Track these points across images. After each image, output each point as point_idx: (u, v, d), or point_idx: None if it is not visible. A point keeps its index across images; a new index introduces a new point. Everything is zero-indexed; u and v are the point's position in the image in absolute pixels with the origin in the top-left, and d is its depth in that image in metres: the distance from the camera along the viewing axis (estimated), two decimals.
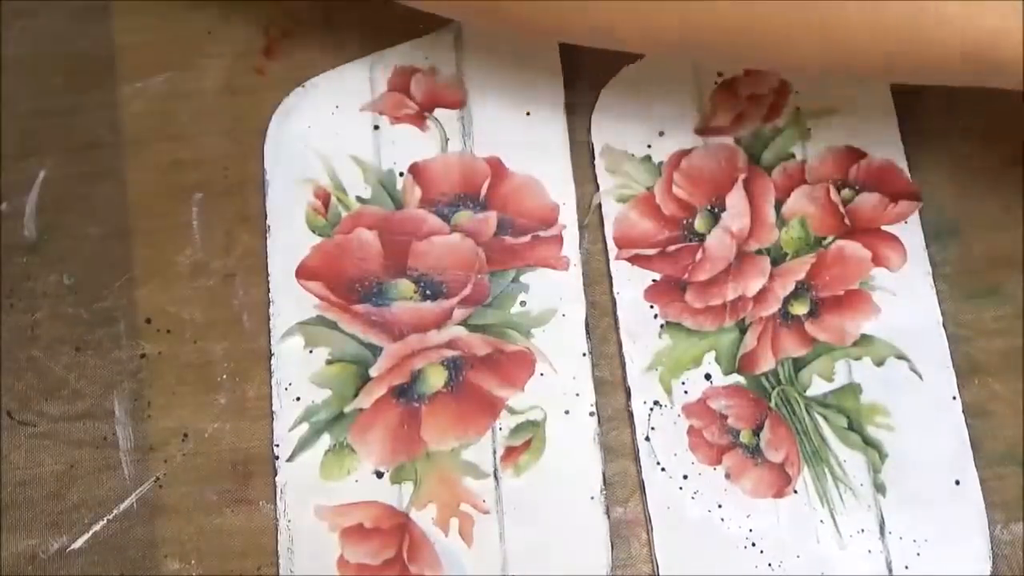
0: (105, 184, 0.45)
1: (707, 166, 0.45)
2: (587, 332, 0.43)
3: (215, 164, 0.45)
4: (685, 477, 0.41)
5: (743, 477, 0.41)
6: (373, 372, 0.42)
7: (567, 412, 0.42)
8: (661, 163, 0.45)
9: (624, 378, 0.42)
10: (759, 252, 0.44)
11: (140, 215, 0.45)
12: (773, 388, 0.42)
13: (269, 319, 0.43)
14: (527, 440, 0.42)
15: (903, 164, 0.45)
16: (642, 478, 0.41)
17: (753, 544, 0.40)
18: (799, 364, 0.42)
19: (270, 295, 0.43)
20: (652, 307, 0.43)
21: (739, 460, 0.41)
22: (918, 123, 0.45)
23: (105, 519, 0.41)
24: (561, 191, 0.45)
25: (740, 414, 0.42)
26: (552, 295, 0.43)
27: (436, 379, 0.42)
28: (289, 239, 0.44)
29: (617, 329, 0.43)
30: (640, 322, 0.43)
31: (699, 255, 0.44)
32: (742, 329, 0.43)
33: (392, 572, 0.40)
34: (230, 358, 0.43)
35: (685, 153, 0.45)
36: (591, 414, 0.42)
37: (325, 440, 0.42)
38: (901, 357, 0.42)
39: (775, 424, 0.42)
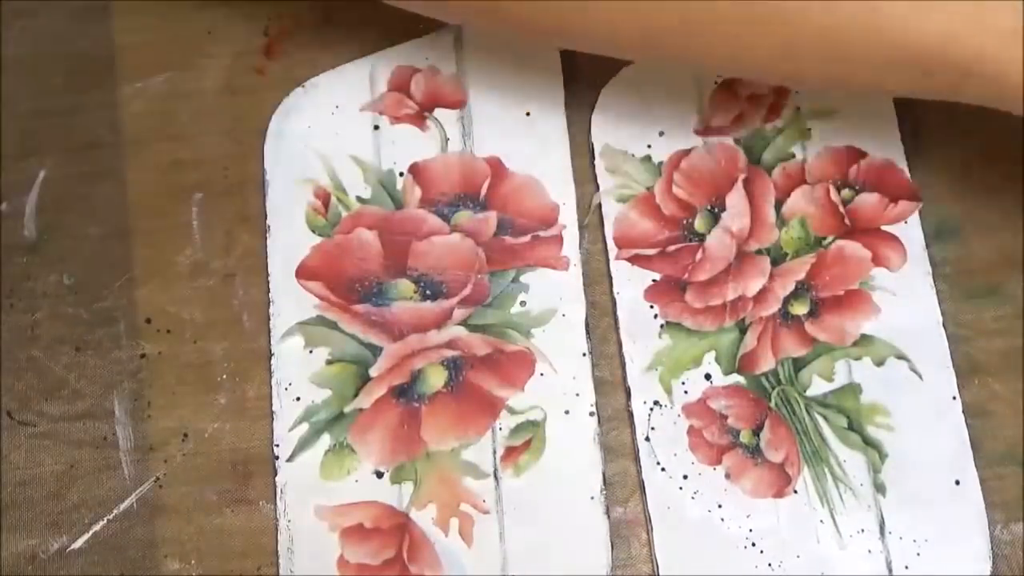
0: (105, 184, 0.45)
1: (707, 166, 0.45)
2: (587, 332, 0.43)
3: (215, 164, 0.45)
4: (685, 477, 0.41)
5: (743, 477, 0.41)
6: (373, 372, 0.42)
7: (567, 412, 0.42)
8: (661, 163, 0.45)
9: (624, 378, 0.42)
10: (759, 252, 0.44)
11: (140, 215, 0.45)
12: (773, 388, 0.42)
13: (269, 319, 0.43)
14: (527, 440, 0.42)
15: (903, 164, 0.45)
16: (642, 478, 0.41)
17: (753, 544, 0.40)
18: (799, 364, 0.42)
19: (270, 295, 0.43)
20: (652, 307, 0.43)
21: (739, 460, 0.41)
22: (918, 123, 0.45)
23: (105, 519, 0.41)
24: (561, 191, 0.45)
25: (740, 414, 0.42)
26: (552, 295, 0.43)
27: (436, 379, 0.42)
28: (289, 239, 0.44)
29: (617, 329, 0.43)
30: (640, 322, 0.43)
31: (699, 255, 0.44)
32: (742, 329, 0.43)
33: (392, 572, 0.40)
34: (230, 358, 0.43)
35: (685, 153, 0.45)
36: (591, 414, 0.42)
37: (325, 440, 0.42)
38: (901, 357, 0.42)
39: (775, 424, 0.42)
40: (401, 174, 0.45)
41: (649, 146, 0.45)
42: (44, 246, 0.44)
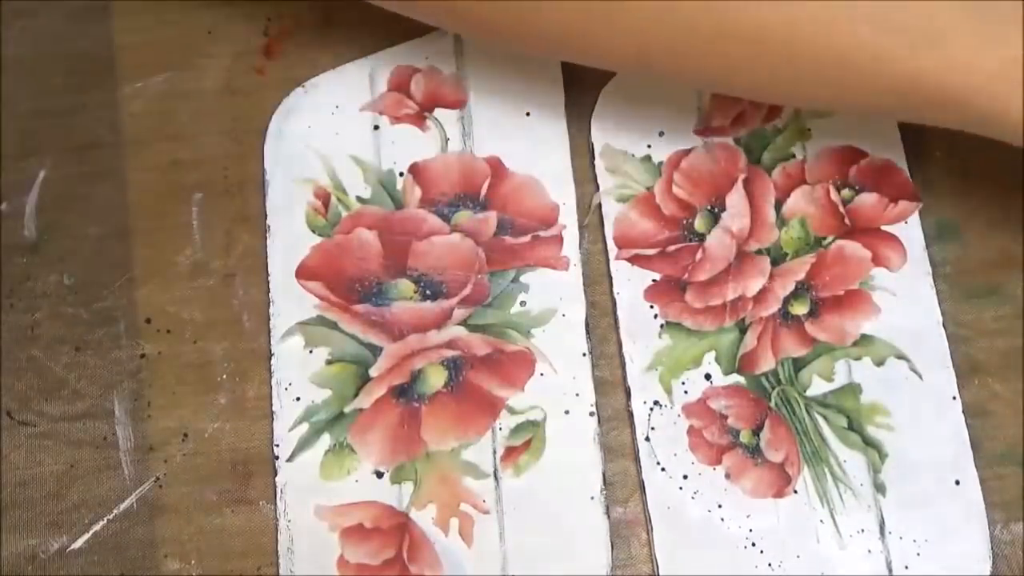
0: (105, 184, 0.45)
1: (707, 166, 0.45)
2: (587, 332, 0.43)
3: (215, 164, 0.45)
4: (685, 477, 0.41)
5: (743, 477, 0.41)
6: (373, 372, 0.42)
7: (567, 412, 0.42)
8: (661, 163, 0.45)
9: (624, 378, 0.42)
10: (759, 252, 0.44)
11: (140, 215, 0.45)
12: (773, 388, 0.42)
13: (269, 319, 0.43)
14: (527, 440, 0.42)
15: (903, 164, 0.45)
16: (642, 478, 0.41)
17: (753, 544, 0.40)
18: (799, 364, 0.42)
19: (270, 295, 0.43)
20: (652, 307, 0.43)
21: (739, 460, 0.41)
22: (918, 124, 0.45)
23: (105, 519, 0.41)
24: (561, 191, 0.45)
25: (740, 414, 0.42)
26: (552, 295, 0.43)
27: (436, 379, 0.42)
28: (289, 239, 0.44)
29: (617, 329, 0.43)
30: (640, 322, 0.43)
31: (699, 255, 0.44)
32: (742, 329, 0.43)
33: (392, 572, 0.40)
34: (230, 358, 0.43)
35: (685, 153, 0.45)
36: (591, 414, 0.42)
37: (325, 440, 0.42)
38: (901, 357, 0.42)
39: (775, 424, 0.42)
40: (401, 174, 0.45)
41: (649, 146, 0.45)
42: (44, 246, 0.44)
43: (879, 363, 0.42)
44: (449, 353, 0.42)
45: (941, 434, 0.41)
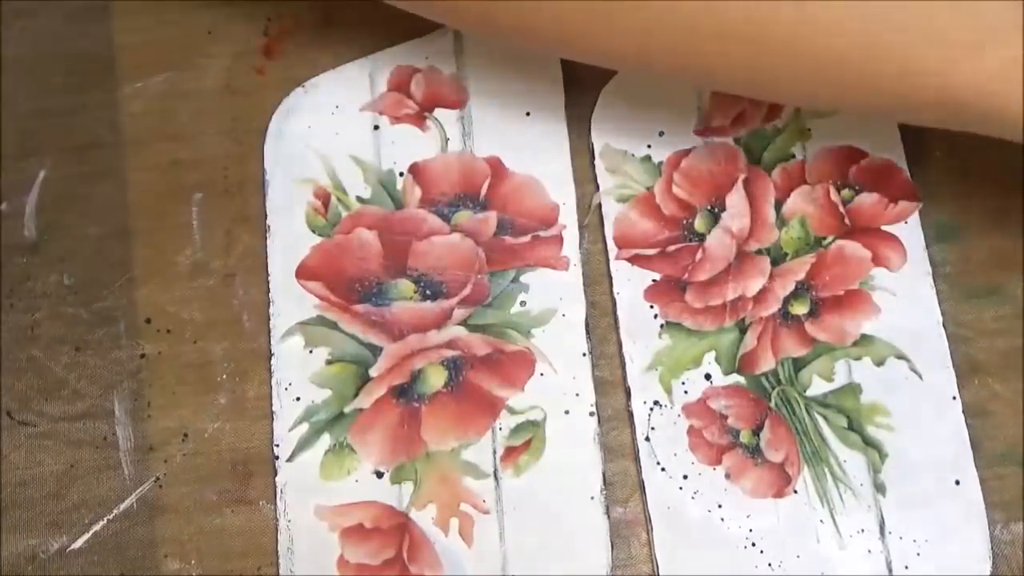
0: (105, 184, 0.45)
1: (707, 166, 0.45)
2: (587, 332, 0.43)
3: (215, 164, 0.45)
4: (685, 477, 0.41)
5: (743, 477, 0.41)
6: (373, 372, 0.42)
7: (567, 412, 0.42)
8: (661, 163, 0.45)
9: (624, 378, 0.42)
10: (759, 252, 0.44)
11: (140, 215, 0.45)
12: (773, 388, 0.42)
13: (269, 319, 0.43)
14: (527, 440, 0.42)
15: (903, 164, 0.45)
16: (642, 478, 0.41)
17: (753, 544, 0.40)
18: (799, 364, 0.42)
19: (270, 295, 0.43)
20: (652, 307, 0.43)
21: (739, 460, 0.41)
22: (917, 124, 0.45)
23: (105, 519, 0.41)
24: (561, 191, 0.45)
25: (740, 414, 0.42)
26: (552, 295, 0.43)
27: (436, 379, 0.42)
28: (289, 239, 0.44)
29: (617, 329, 0.43)
30: (640, 322, 0.43)
31: (699, 255, 0.44)
32: (742, 329, 0.43)
33: (392, 572, 0.40)
34: (230, 358, 0.43)
35: (685, 153, 0.45)
36: (591, 414, 0.42)
37: (325, 440, 0.42)
38: (901, 357, 0.42)
39: (775, 424, 0.42)
40: (401, 174, 0.45)
41: (649, 146, 0.45)
42: (44, 246, 0.44)
43: (879, 363, 0.42)
44: (449, 353, 0.42)
45: (941, 434, 0.41)
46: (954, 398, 0.42)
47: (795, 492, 0.41)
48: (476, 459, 0.41)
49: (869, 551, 0.40)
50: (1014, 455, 0.42)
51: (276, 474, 0.41)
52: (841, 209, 0.44)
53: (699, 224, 0.44)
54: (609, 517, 0.41)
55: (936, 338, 0.42)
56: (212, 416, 0.42)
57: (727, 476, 0.41)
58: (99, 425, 0.42)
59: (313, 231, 0.44)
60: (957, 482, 0.41)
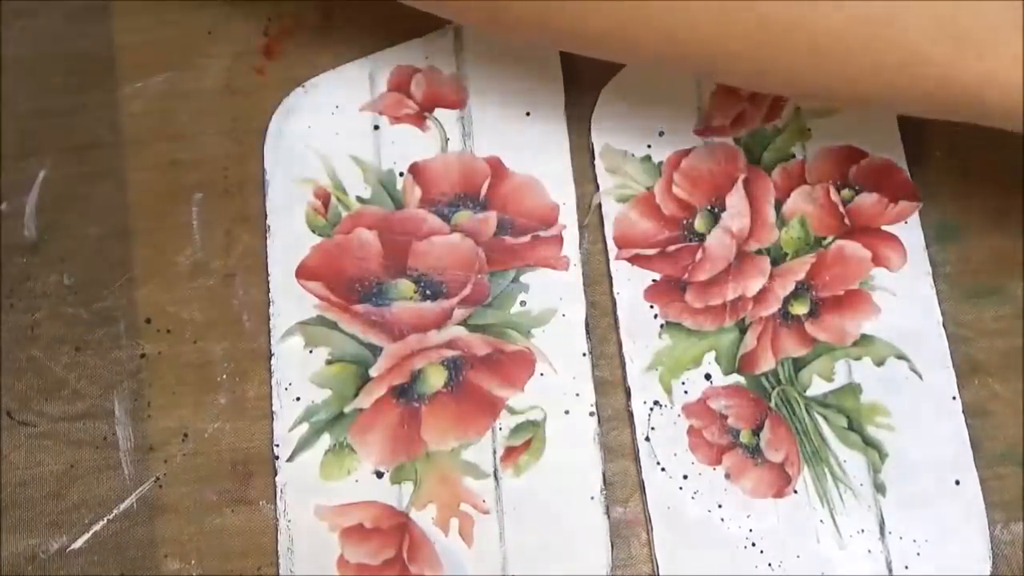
0: (105, 184, 0.45)
1: (707, 166, 0.45)
2: (587, 332, 0.43)
3: (215, 164, 0.45)
4: (685, 477, 0.41)
5: (743, 477, 0.41)
6: (373, 372, 0.42)
7: (567, 412, 0.42)
8: (661, 163, 0.45)
9: (624, 378, 0.42)
10: (759, 252, 0.44)
11: (140, 215, 0.45)
12: (773, 388, 0.42)
13: (269, 319, 0.43)
14: (527, 440, 0.42)
15: (903, 164, 0.45)
16: (642, 478, 0.41)
17: (753, 544, 0.40)
18: (799, 364, 0.42)
19: (270, 295, 0.43)
20: (652, 307, 0.43)
21: (739, 460, 0.41)
22: (918, 123, 0.45)
23: (105, 519, 0.41)
24: (561, 191, 0.45)
25: (740, 414, 0.42)
26: (552, 295, 0.43)
27: (436, 379, 0.42)
28: (289, 239, 0.44)
29: (617, 329, 0.43)
30: (640, 322, 0.43)
31: (699, 255, 0.44)
32: (742, 329, 0.43)
33: (392, 572, 0.40)
34: (230, 358, 0.43)
35: (685, 153, 0.45)
36: (591, 414, 0.42)
37: (325, 440, 0.42)
38: (901, 357, 0.42)
39: (775, 424, 0.42)
40: (401, 174, 0.45)
41: (649, 146, 0.45)
42: (44, 246, 0.44)
43: (879, 363, 0.42)
44: (449, 353, 0.42)
45: (941, 434, 0.41)
46: (954, 398, 0.42)
47: (795, 492, 0.41)
48: (476, 459, 0.41)
49: (869, 551, 0.40)
50: (1014, 455, 0.42)
51: (276, 474, 0.41)
52: (841, 209, 0.44)
53: (699, 224, 0.44)
54: (609, 517, 0.41)
55: (936, 338, 0.42)
56: (212, 416, 0.42)
57: (727, 476, 0.41)
58: (99, 425, 0.42)
59: (313, 231, 0.44)
60: (957, 482, 0.41)
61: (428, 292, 0.43)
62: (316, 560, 0.40)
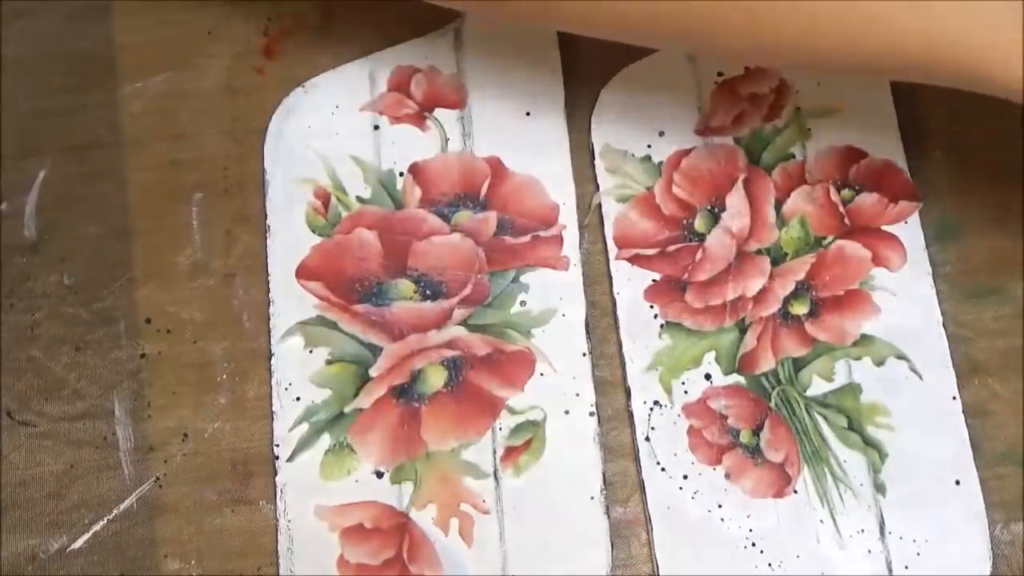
0: (105, 184, 0.45)
1: (707, 166, 0.45)
2: (587, 332, 0.43)
3: (215, 164, 0.45)
4: (685, 477, 0.41)
5: (743, 477, 0.41)
6: (373, 372, 0.42)
7: (567, 412, 0.42)
8: (661, 163, 0.45)
9: (624, 378, 0.42)
10: (759, 252, 0.44)
11: (140, 215, 0.45)
12: (773, 388, 0.42)
13: (269, 319, 0.43)
14: (527, 440, 0.42)
15: (903, 164, 0.45)
16: (642, 478, 0.41)
17: (753, 544, 0.40)
18: (799, 364, 0.42)
19: (270, 295, 0.43)
20: (652, 307, 0.43)
21: (739, 460, 0.41)
22: (918, 123, 0.45)
23: (105, 519, 0.41)
24: (561, 191, 0.45)
25: (740, 414, 0.42)
26: (552, 295, 0.43)
27: (436, 379, 0.42)
28: (289, 239, 0.44)
29: (617, 329, 0.43)
30: (640, 322, 0.43)
31: (699, 255, 0.44)
32: (742, 329, 0.43)
33: (392, 572, 0.40)
34: (230, 358, 0.43)
35: (685, 153, 0.45)
36: (591, 414, 0.42)
37: (325, 440, 0.42)
38: (901, 357, 0.42)
39: (775, 424, 0.42)
40: (401, 174, 0.45)
41: (649, 146, 0.45)
42: (44, 246, 0.44)
43: (879, 363, 0.42)
44: (449, 353, 0.42)
45: (941, 434, 0.41)
46: (954, 398, 0.42)
47: (795, 492, 0.41)
48: (476, 459, 0.41)
49: (869, 551, 0.40)
50: (1014, 455, 0.42)
51: (276, 474, 0.41)
52: (841, 209, 0.44)
53: (699, 224, 0.44)
54: (609, 517, 0.41)
55: (936, 338, 0.42)
56: (212, 416, 0.42)
57: (727, 476, 0.41)
58: (99, 425, 0.42)
59: (313, 231, 0.44)
60: (957, 482, 0.41)
61: (428, 292, 0.43)
62: (316, 560, 0.40)
